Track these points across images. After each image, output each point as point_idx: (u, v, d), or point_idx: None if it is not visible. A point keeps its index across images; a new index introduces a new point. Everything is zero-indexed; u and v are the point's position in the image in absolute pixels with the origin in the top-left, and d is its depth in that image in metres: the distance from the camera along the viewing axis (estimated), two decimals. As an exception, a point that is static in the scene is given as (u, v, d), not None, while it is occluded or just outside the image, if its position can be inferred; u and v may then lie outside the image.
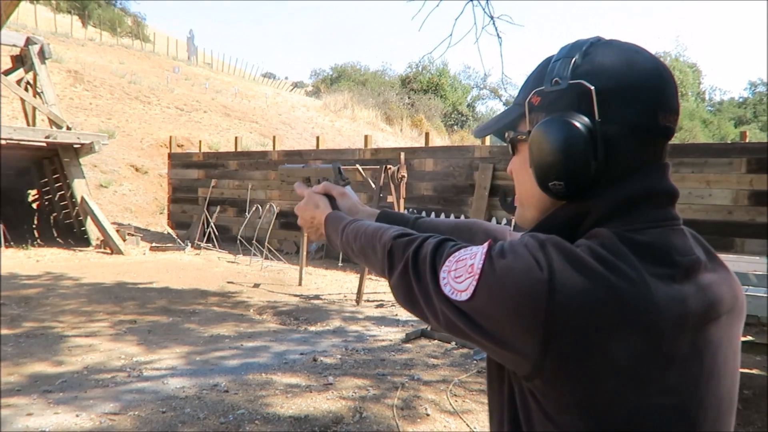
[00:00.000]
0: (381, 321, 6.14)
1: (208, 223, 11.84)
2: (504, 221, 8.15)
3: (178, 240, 11.74)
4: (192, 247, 11.25)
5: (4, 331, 5.10)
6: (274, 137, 12.55)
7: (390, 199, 7.06)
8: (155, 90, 21.53)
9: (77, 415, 3.32)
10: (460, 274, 0.71)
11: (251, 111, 24.05)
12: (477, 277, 0.68)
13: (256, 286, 7.76)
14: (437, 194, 9.44)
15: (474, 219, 1.18)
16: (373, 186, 7.49)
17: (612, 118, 0.72)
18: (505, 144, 0.85)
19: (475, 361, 4.64)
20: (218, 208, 12.23)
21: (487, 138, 9.31)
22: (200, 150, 13.52)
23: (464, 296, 0.69)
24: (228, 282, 7.93)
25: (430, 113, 33.23)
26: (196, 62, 32.99)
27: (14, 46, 10.97)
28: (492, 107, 46.08)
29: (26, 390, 3.75)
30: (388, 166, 7.12)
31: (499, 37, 4.97)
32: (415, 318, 6.74)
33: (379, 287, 8.06)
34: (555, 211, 0.77)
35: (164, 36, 35.98)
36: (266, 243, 9.97)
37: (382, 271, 0.88)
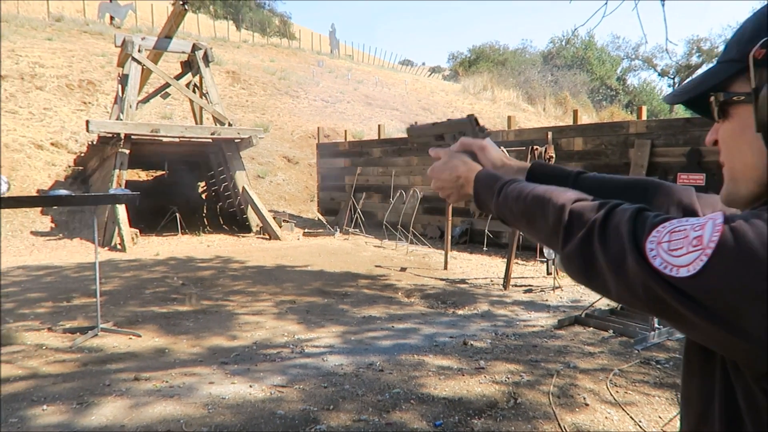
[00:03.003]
0: (530, 306, 5.98)
1: (355, 210, 12.32)
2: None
3: (328, 226, 12.36)
4: (341, 232, 11.80)
5: (186, 308, 5.73)
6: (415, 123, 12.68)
7: (537, 180, 6.83)
8: (302, 84, 22.74)
9: (250, 386, 3.64)
10: (679, 246, 0.62)
11: (392, 98, 24.52)
12: (709, 251, 0.59)
13: (403, 269, 7.94)
14: (587, 174, 8.94)
15: (650, 177, 1.04)
16: (519, 168, 7.29)
17: None
18: (698, 114, 0.75)
19: (636, 351, 4.35)
20: (364, 194, 12.68)
21: (644, 112, 8.63)
22: (345, 139, 14.06)
23: (685, 272, 0.60)
24: (376, 266, 8.20)
25: (576, 89, 31.57)
26: (339, 55, 34.32)
27: (183, 52, 12.17)
28: (645, 79, 42.68)
29: (207, 361, 4.18)
30: (535, 147, 6.88)
31: (661, 0, 4.54)
32: (567, 304, 6.42)
33: (526, 272, 7.86)
34: None
35: (308, 32, 37.82)
36: (411, 228, 10.14)
37: (550, 238, 0.79)
